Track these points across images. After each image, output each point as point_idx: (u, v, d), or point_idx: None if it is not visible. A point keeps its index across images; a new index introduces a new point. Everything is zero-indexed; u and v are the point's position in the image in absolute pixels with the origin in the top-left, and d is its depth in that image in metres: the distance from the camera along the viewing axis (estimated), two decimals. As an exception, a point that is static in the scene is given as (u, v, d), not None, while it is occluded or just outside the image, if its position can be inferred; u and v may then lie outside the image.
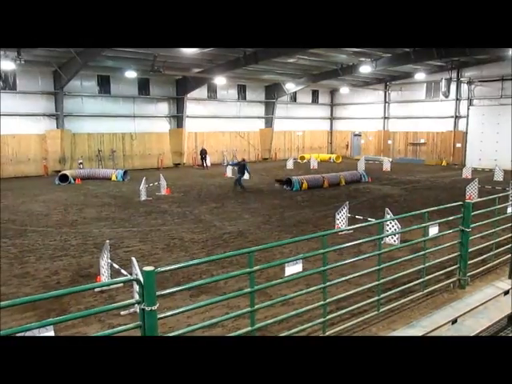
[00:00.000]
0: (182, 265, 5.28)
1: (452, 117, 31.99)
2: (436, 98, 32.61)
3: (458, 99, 31.52)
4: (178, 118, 31.07)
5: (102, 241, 10.55)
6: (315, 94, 39.29)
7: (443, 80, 29.91)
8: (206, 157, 30.67)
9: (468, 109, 30.98)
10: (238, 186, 20.12)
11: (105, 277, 7.92)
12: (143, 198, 17.46)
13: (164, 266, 4.85)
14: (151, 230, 12.56)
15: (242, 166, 20.79)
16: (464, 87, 31.07)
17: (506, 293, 7.27)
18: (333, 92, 40.00)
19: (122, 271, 7.64)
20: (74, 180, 22.75)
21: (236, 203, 16.71)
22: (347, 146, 39.62)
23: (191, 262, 6.25)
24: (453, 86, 30.64)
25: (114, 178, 23.65)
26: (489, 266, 8.73)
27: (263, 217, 14.20)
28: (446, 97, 30.40)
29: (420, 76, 31.19)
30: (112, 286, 7.81)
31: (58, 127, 26.02)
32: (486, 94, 30.07)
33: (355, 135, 39.24)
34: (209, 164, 30.67)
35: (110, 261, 7.84)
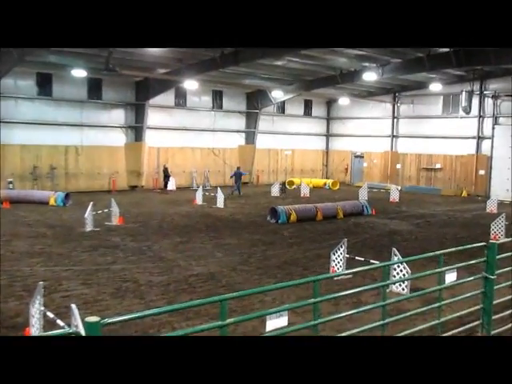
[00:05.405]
0: (135, 315, 5.23)
1: (474, 137, 32.69)
2: (455, 114, 33.36)
3: (481, 116, 32.26)
4: (136, 130, 31.15)
5: (33, 282, 10.35)
6: (308, 105, 39.98)
7: (463, 93, 30.53)
8: (168, 178, 30.55)
9: (493, 128, 31.60)
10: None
11: (35, 328, 7.77)
12: (89, 228, 17.29)
13: (112, 317, 4.79)
14: (98, 269, 12.41)
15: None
16: (488, 102, 31.87)
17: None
18: (330, 103, 40.77)
19: (59, 322, 7.50)
20: (1, 203, 22.44)
21: (206, 238, 16.65)
22: (346, 169, 40.16)
23: (147, 312, 6.17)
24: (475, 101, 31.31)
25: (52, 202, 23.44)
26: (518, 322, 8.82)
27: (240, 256, 14.17)
28: (467, 113, 31.00)
29: (436, 87, 31.75)
30: (44, 341, 7.64)
31: (-18, 136, 25.77)
32: (514, 111, 30.82)
33: (356, 157, 39.85)
34: (173, 187, 30.59)
35: (42, 308, 7.70)
